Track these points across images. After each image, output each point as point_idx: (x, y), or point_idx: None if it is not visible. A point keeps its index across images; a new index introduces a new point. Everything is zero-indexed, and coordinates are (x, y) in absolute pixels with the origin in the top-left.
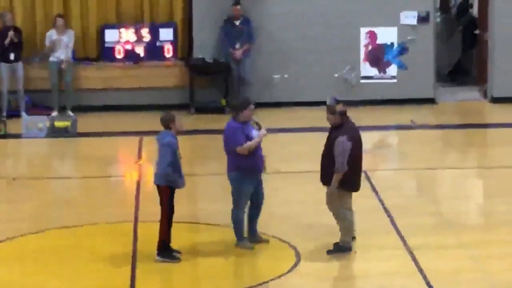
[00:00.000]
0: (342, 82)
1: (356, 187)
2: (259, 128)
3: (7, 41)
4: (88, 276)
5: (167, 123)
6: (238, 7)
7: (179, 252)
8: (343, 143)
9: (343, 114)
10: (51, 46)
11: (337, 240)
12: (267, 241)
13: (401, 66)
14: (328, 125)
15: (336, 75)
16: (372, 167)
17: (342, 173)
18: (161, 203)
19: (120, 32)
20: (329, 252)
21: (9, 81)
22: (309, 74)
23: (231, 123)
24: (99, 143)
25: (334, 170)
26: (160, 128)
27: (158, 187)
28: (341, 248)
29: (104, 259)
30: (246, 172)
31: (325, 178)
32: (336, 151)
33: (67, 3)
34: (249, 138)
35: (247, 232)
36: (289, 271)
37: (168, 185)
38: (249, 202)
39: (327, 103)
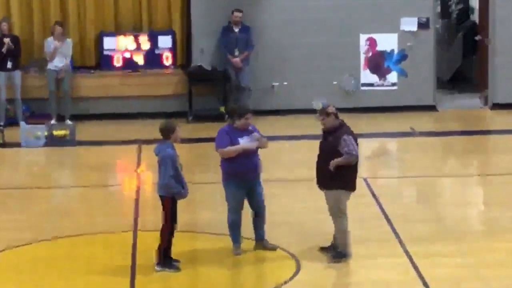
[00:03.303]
0: (342, 89)
1: (354, 187)
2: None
3: (4, 49)
4: (86, 286)
5: (167, 134)
6: (238, 14)
7: (178, 261)
8: (350, 139)
9: (337, 114)
10: (50, 54)
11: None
12: (274, 249)
13: (401, 73)
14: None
15: (335, 82)
16: (372, 175)
17: (352, 159)
18: (164, 213)
19: (118, 40)
20: (330, 260)
21: (6, 90)
22: (309, 81)
23: (223, 127)
24: (97, 151)
25: (343, 157)
26: (159, 136)
27: (161, 197)
28: (341, 254)
29: (103, 269)
30: (229, 176)
31: (322, 182)
32: (345, 147)
33: (64, 11)
34: (234, 144)
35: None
36: (289, 279)
37: (171, 196)
38: (251, 211)
39: (318, 107)
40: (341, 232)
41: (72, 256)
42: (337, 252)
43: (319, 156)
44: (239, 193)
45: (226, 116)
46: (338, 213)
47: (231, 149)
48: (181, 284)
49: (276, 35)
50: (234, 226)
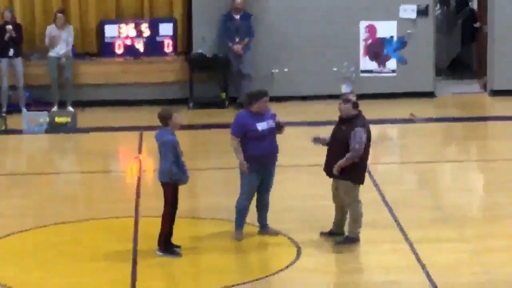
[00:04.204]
0: (342, 76)
1: (363, 180)
2: (279, 126)
3: (6, 37)
4: (88, 271)
5: (165, 121)
6: (239, 1)
7: (179, 247)
8: (360, 132)
9: (357, 105)
10: (51, 41)
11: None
12: (275, 234)
13: (400, 60)
14: (328, 118)
15: (335, 69)
16: (372, 161)
17: (355, 158)
18: (165, 199)
19: (119, 27)
20: (338, 243)
21: (8, 77)
22: (309, 68)
23: (240, 112)
24: (99, 138)
25: (346, 157)
26: (159, 123)
27: (162, 183)
28: (350, 239)
29: (104, 255)
30: (249, 161)
31: (330, 170)
32: (354, 141)
33: None
34: (251, 129)
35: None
36: (290, 265)
37: (172, 181)
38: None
39: (343, 91)
40: (354, 217)
41: (74, 242)
42: (346, 237)
43: (330, 143)
44: (256, 179)
45: (227, 103)
46: (350, 201)
47: (235, 151)
48: (182, 269)
49: (276, 22)
50: (243, 212)
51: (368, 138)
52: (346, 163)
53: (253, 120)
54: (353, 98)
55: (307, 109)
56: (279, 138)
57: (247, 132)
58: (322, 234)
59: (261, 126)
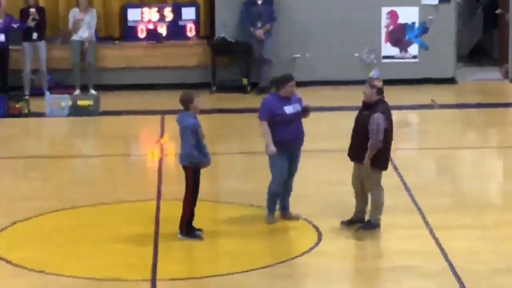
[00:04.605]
0: (363, 62)
1: (386, 165)
2: (305, 110)
3: (29, 20)
4: (108, 254)
5: (187, 105)
6: None
7: (200, 230)
8: (378, 118)
9: (381, 91)
10: (75, 24)
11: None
12: (296, 219)
13: (422, 46)
14: (349, 103)
15: (357, 54)
16: (393, 147)
17: (377, 149)
18: (187, 183)
19: (142, 12)
20: (359, 228)
21: (31, 60)
22: (330, 53)
23: (267, 96)
24: (121, 121)
25: (369, 146)
26: (181, 107)
27: (184, 167)
28: (371, 225)
29: (126, 238)
30: (277, 145)
31: (355, 155)
32: (371, 127)
33: None
34: (278, 113)
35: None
36: (310, 250)
37: (193, 165)
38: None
39: (369, 75)
40: (375, 205)
41: (95, 225)
42: (368, 221)
43: (353, 128)
44: (285, 163)
45: (248, 88)
46: (372, 187)
47: (263, 133)
48: (203, 252)
49: (298, 8)
50: (275, 196)
51: (391, 127)
52: (371, 154)
53: (280, 104)
54: (378, 84)
55: (328, 94)
56: None
57: (275, 116)
58: (342, 223)
59: (288, 109)
